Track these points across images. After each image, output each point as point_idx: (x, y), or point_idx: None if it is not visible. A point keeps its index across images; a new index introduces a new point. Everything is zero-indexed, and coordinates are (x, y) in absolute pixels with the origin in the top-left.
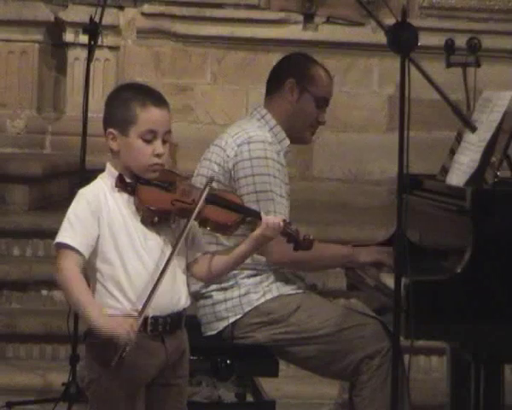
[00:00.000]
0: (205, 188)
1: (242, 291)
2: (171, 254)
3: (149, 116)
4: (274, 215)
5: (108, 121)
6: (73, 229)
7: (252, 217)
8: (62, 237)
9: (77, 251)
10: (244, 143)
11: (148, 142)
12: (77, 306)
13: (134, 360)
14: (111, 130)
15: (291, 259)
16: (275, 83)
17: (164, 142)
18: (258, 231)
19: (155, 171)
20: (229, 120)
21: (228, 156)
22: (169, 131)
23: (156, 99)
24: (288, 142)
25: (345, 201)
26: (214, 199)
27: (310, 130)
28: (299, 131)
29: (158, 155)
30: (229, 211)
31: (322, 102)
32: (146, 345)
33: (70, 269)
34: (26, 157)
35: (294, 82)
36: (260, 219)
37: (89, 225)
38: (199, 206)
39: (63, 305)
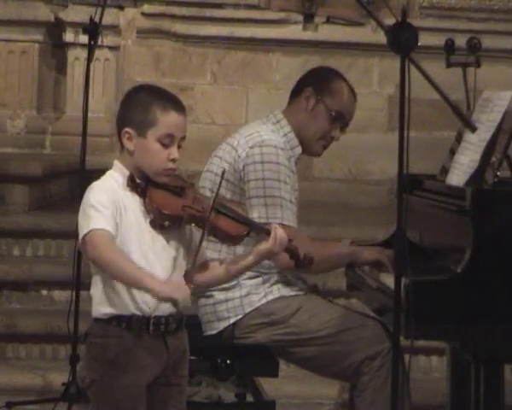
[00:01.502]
0: (215, 196)
1: (243, 292)
2: (193, 263)
3: (169, 120)
4: (281, 221)
5: (125, 121)
6: (102, 214)
7: (260, 231)
8: (94, 223)
9: (109, 232)
10: (256, 145)
11: (165, 146)
12: (131, 280)
13: (136, 360)
14: (128, 129)
15: None
16: (295, 90)
17: (178, 147)
18: (265, 246)
19: (168, 175)
20: (229, 120)
21: (239, 157)
22: (184, 137)
23: (176, 104)
24: (300, 150)
25: (345, 201)
26: (224, 210)
27: (320, 143)
28: (308, 142)
29: (173, 160)
30: (238, 222)
31: (338, 118)
32: (148, 345)
33: (112, 247)
34: (26, 157)
35: (312, 91)
36: (268, 234)
37: (112, 210)
38: (208, 221)
39: (63, 305)
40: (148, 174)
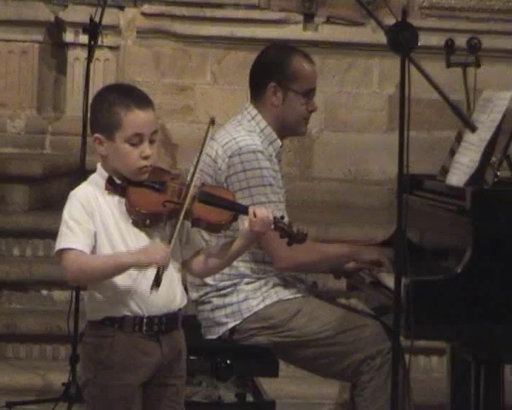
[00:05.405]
0: (188, 187)
1: (241, 297)
2: (173, 228)
3: (134, 119)
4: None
5: (94, 126)
6: (73, 232)
7: (241, 213)
8: (64, 243)
9: (80, 251)
10: (235, 154)
11: (135, 145)
12: (108, 270)
13: (129, 360)
14: (97, 135)
15: (298, 263)
16: (257, 87)
17: (151, 142)
18: (246, 226)
19: (144, 173)
20: (229, 120)
21: (219, 169)
22: (156, 131)
23: (140, 101)
24: (279, 142)
25: (345, 201)
26: (204, 197)
27: (303, 122)
28: (292, 128)
29: (145, 158)
30: (221, 209)
31: (310, 93)
32: (141, 345)
33: (77, 262)
34: (26, 157)
35: (276, 85)
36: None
37: (86, 223)
38: (185, 206)
39: (63, 305)
40: (125, 175)
